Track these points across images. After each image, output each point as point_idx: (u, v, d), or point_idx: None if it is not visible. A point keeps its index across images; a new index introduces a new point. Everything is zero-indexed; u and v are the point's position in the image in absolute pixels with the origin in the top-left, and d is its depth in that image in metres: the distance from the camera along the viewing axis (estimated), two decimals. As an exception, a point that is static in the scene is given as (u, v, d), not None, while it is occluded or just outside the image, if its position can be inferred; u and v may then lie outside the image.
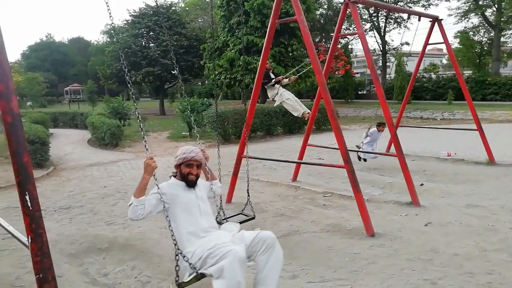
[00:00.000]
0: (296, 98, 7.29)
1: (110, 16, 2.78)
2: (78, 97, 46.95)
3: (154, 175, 2.75)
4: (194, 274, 2.59)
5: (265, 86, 7.19)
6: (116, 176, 9.04)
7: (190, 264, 2.59)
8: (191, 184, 2.85)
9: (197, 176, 2.92)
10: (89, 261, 4.43)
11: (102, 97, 41.47)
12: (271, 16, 5.92)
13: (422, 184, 7.03)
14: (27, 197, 2.17)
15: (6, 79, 2.16)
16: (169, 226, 2.65)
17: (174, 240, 2.61)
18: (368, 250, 4.35)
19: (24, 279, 3.89)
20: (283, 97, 7.07)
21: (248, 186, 4.60)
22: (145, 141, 2.88)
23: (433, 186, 7.08)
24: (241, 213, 4.36)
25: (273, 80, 7.17)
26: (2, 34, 2.17)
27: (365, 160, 9.03)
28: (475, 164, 8.72)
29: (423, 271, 3.75)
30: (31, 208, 2.18)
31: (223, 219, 4.02)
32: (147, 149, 2.84)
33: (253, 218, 4.33)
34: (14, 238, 2.80)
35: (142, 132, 2.89)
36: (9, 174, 8.70)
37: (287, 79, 7.44)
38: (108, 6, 2.86)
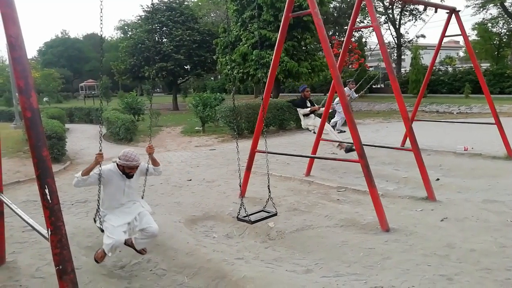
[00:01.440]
0: (331, 128, 7.52)
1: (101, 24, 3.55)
2: (93, 92, 47.59)
3: (100, 166, 3.63)
4: (100, 227, 3.76)
5: (300, 112, 7.45)
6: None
7: (99, 217, 3.78)
8: (129, 177, 3.87)
9: (134, 172, 3.90)
10: (105, 254, 4.50)
11: (117, 92, 41.97)
12: (285, 10, 5.88)
13: (438, 179, 6.92)
14: (47, 191, 2.22)
15: (26, 75, 2.21)
16: (99, 191, 3.69)
17: (98, 199, 3.74)
18: (383, 245, 4.32)
19: (43, 271, 3.99)
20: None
21: (268, 182, 4.56)
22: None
23: (450, 181, 6.97)
24: (263, 210, 4.36)
25: (309, 109, 7.33)
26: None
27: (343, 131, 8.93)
28: (493, 158, 8.54)
29: (439, 266, 3.71)
30: (50, 202, 2.23)
31: (244, 216, 4.04)
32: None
33: (275, 214, 4.33)
34: (34, 231, 2.87)
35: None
36: (28, 168, 8.90)
37: (323, 108, 7.60)
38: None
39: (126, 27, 58.28)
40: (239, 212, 4.11)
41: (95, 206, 6.24)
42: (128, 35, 28.64)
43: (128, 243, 3.91)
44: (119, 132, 14.36)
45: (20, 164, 9.58)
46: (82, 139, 15.94)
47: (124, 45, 31.14)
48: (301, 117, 8.02)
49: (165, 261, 4.23)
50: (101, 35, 3.82)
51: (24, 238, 4.84)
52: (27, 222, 3.04)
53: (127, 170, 3.80)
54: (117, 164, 3.82)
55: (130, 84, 42.90)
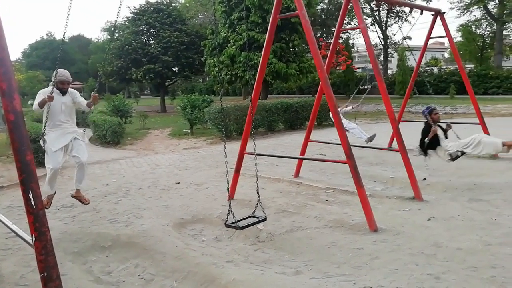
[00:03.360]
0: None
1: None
2: (80, 95, 46.89)
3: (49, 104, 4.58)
4: (44, 146, 4.78)
5: (428, 145, 6.16)
6: (118, 174, 9.05)
7: (43, 134, 4.79)
8: (63, 93, 4.90)
9: (67, 88, 4.93)
10: (92, 259, 4.44)
11: (103, 95, 41.46)
12: (273, 11, 5.89)
13: (424, 179, 7.02)
14: (31, 196, 2.17)
15: (9, 77, 2.16)
16: (46, 114, 4.64)
17: (44, 120, 4.72)
18: (371, 245, 4.36)
19: (28, 278, 3.91)
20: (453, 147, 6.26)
21: (257, 186, 4.53)
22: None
23: (436, 180, 7.06)
24: (252, 216, 4.33)
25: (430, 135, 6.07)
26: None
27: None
28: (478, 158, 8.68)
29: (426, 265, 3.75)
30: (34, 207, 2.19)
31: (232, 222, 4.01)
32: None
33: (265, 219, 4.31)
34: (18, 237, 2.81)
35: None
36: (11, 173, 8.72)
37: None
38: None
39: (112, 29, 57.72)
40: (227, 218, 4.09)
41: (81, 211, 6.22)
42: (115, 37, 28.33)
43: (74, 196, 5.13)
44: (106, 135, 14.19)
45: (3, 169, 9.39)
46: (68, 142, 15.68)
47: (111, 46, 30.84)
48: (437, 151, 6.49)
49: (153, 266, 4.18)
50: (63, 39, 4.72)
51: (8, 245, 4.73)
52: (10, 229, 2.98)
53: (60, 86, 4.75)
54: (55, 85, 4.69)
55: (117, 86, 42.41)
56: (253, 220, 4.23)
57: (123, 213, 5.94)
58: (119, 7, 4.09)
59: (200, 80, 51.65)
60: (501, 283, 3.32)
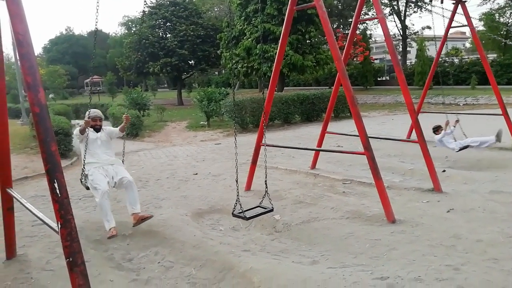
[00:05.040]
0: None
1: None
2: (98, 89, 47.78)
3: (87, 130, 4.56)
4: (86, 185, 4.60)
5: None
6: (137, 166, 9.23)
7: (83, 171, 4.60)
8: (97, 130, 4.87)
9: (100, 125, 4.94)
10: (113, 247, 4.57)
11: (122, 88, 42.10)
12: (289, 3, 5.85)
13: (444, 171, 6.90)
14: (56, 185, 2.25)
15: (34, 71, 2.24)
16: (84, 155, 4.56)
17: (83, 160, 4.57)
18: (389, 236, 4.34)
19: (54, 264, 4.06)
20: None
21: (266, 176, 4.59)
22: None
23: (456, 172, 6.94)
24: (259, 206, 4.37)
25: None
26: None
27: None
28: (500, 150, 8.48)
29: (445, 257, 3.71)
30: (59, 195, 2.27)
31: (239, 212, 4.07)
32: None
33: (272, 210, 4.34)
34: (43, 225, 2.92)
35: None
36: (35, 164, 8.99)
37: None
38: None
39: (130, 23, 58.31)
40: (234, 208, 4.14)
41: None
42: (132, 31, 28.74)
43: (135, 224, 4.59)
44: (125, 127, 14.42)
45: (27, 160, 9.68)
46: (88, 135, 16.02)
47: (128, 41, 31.18)
48: None
49: (172, 254, 4.28)
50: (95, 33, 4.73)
51: (34, 232, 4.92)
52: (37, 216, 3.09)
53: (92, 123, 4.76)
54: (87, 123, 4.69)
55: (135, 80, 42.99)
56: (260, 210, 4.27)
57: (143, 203, 6.05)
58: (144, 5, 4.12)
59: (216, 73, 51.76)
60: (522, 275, 3.27)
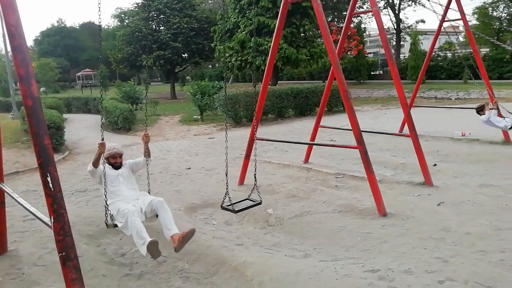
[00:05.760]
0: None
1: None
2: (90, 82, 47.27)
3: (103, 164, 3.86)
4: (113, 223, 3.72)
5: None
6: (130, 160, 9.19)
7: (109, 211, 3.72)
8: (116, 168, 4.07)
9: (120, 162, 4.12)
10: (106, 241, 4.57)
11: (114, 81, 41.69)
12: (283, -4, 5.83)
13: (435, 165, 6.98)
14: (49, 179, 2.24)
15: (26, 64, 2.21)
16: (105, 195, 3.71)
17: (105, 201, 3.69)
18: (380, 229, 4.39)
19: (45, 259, 4.05)
20: None
21: (255, 170, 4.60)
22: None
23: (447, 166, 7.02)
24: (248, 199, 4.39)
25: None
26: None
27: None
28: (490, 144, 8.59)
29: (435, 249, 3.78)
30: (52, 189, 2.26)
31: (228, 205, 4.08)
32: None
33: (260, 203, 4.34)
34: (35, 220, 2.91)
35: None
36: (26, 158, 8.92)
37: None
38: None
39: (123, 15, 57.66)
40: (223, 201, 4.15)
41: (94, 195, 6.36)
42: (125, 23, 28.36)
43: (177, 247, 3.59)
44: (118, 121, 14.35)
45: (18, 154, 9.60)
46: (81, 128, 15.93)
47: (121, 33, 30.85)
48: None
49: (165, 248, 4.27)
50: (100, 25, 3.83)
51: (25, 227, 4.89)
52: (29, 211, 3.08)
53: (112, 160, 4.02)
54: (106, 160, 4.00)
55: (127, 73, 42.56)
56: (249, 203, 4.29)
57: (136, 198, 6.06)
58: None
59: (210, 66, 51.46)
60: (509, 267, 3.34)
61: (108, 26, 63.95)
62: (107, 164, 3.97)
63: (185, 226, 4.10)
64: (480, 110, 7.05)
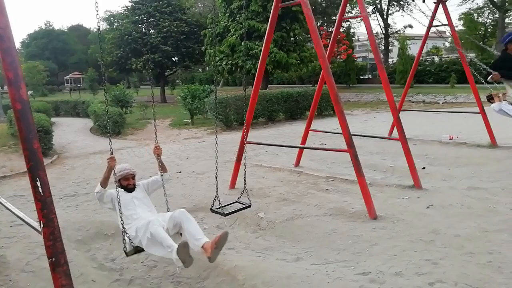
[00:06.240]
0: None
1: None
2: (78, 85, 46.78)
3: (114, 170, 3.51)
4: (133, 246, 3.38)
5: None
6: (120, 164, 9.10)
7: (127, 235, 3.38)
8: (129, 190, 3.74)
9: (133, 184, 3.82)
10: (96, 247, 4.52)
11: (103, 85, 41.28)
12: (274, 0, 5.87)
13: (424, 168, 7.07)
14: (39, 183, 2.21)
15: (15, 67, 2.19)
16: (122, 223, 3.42)
17: (122, 227, 3.41)
18: (370, 232, 4.42)
19: (34, 265, 3.98)
20: None
21: (245, 173, 4.59)
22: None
23: (435, 169, 7.12)
24: (237, 202, 4.38)
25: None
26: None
27: None
28: (477, 147, 8.74)
29: (424, 251, 3.82)
30: (42, 194, 2.23)
31: (217, 208, 4.06)
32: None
33: (249, 206, 4.31)
34: (22, 226, 2.87)
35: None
36: (13, 163, 8.78)
37: None
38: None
39: (112, 18, 57.32)
40: (213, 204, 4.15)
41: (84, 200, 6.29)
42: (114, 27, 28.15)
43: (211, 256, 3.17)
44: (107, 125, 14.21)
45: (5, 158, 9.44)
46: (69, 132, 15.74)
47: (111, 36, 30.64)
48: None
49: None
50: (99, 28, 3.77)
51: (13, 233, 4.81)
52: (18, 216, 3.03)
53: (124, 183, 3.72)
54: (117, 183, 3.69)
55: (117, 76, 42.26)
56: (238, 206, 4.27)
57: (126, 202, 6.00)
58: None
59: (200, 70, 51.40)
60: (497, 268, 3.39)
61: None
62: (120, 189, 3.63)
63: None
64: (491, 98, 6.69)
